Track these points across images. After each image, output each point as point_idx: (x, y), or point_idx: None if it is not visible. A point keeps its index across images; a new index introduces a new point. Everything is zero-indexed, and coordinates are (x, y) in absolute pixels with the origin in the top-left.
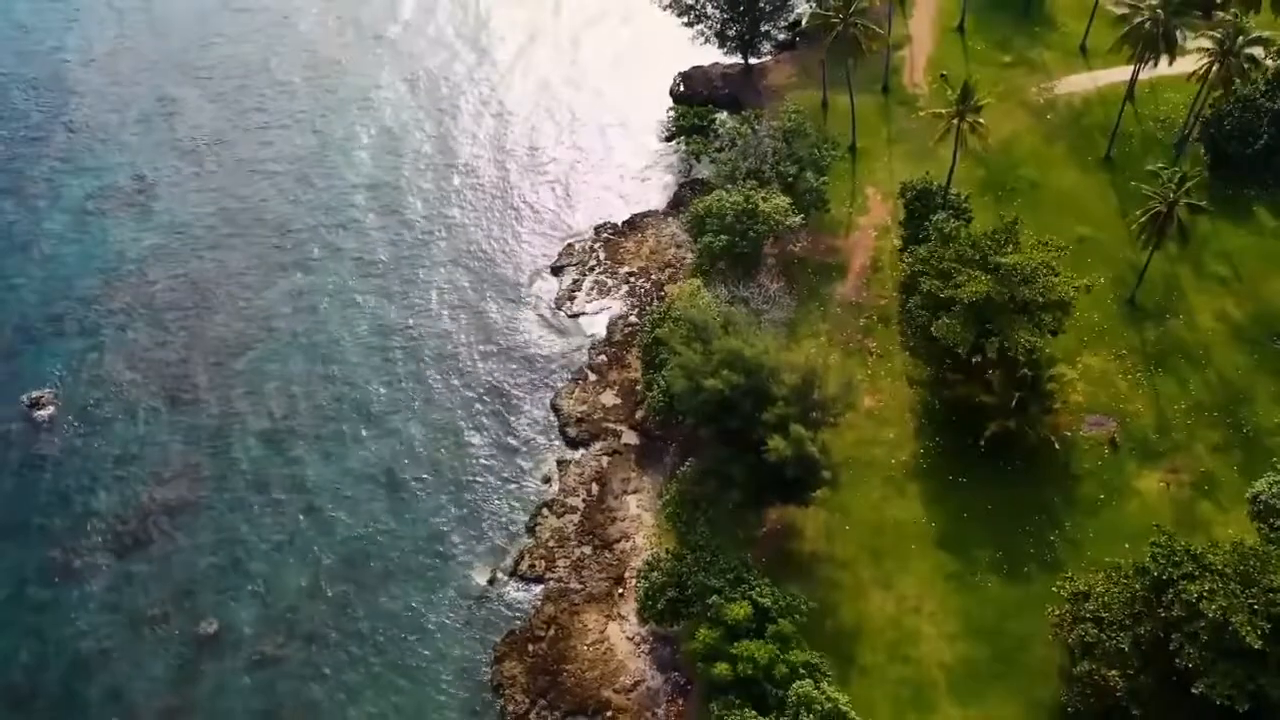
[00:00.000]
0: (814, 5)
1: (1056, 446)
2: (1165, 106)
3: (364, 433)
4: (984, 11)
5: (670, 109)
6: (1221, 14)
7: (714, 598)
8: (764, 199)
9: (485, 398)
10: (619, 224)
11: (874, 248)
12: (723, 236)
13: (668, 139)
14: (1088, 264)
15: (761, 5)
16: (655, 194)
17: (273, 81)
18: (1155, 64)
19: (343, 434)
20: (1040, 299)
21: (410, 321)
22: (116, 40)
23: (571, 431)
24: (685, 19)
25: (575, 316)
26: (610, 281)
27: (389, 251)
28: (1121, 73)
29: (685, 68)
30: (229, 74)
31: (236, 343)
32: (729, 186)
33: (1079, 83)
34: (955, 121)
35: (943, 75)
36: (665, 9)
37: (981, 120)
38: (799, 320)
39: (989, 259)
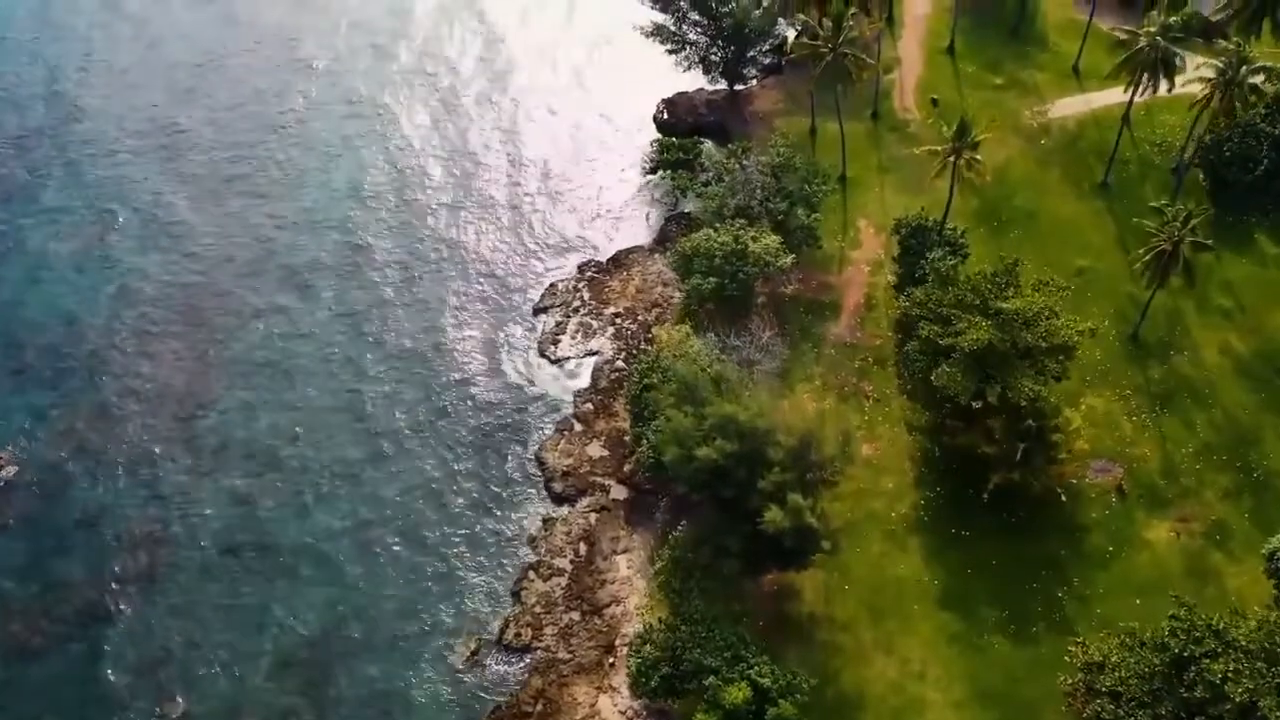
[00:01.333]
0: (798, 26)
1: (1063, 498)
2: (1162, 129)
3: (337, 491)
4: (973, 32)
5: (654, 142)
6: (1224, 43)
7: (711, 679)
8: (753, 238)
9: (466, 451)
10: (603, 261)
11: (867, 284)
12: (711, 279)
13: (652, 170)
14: (1088, 298)
15: (747, 32)
16: (640, 228)
17: (233, 114)
18: (1155, 91)
19: (315, 493)
20: (1043, 344)
21: (386, 370)
22: (89, 61)
23: (557, 486)
24: (668, 46)
25: (559, 362)
26: (595, 323)
27: (364, 296)
28: (1116, 94)
29: (669, 94)
30: (198, 104)
31: (205, 395)
32: (717, 225)
33: (1073, 105)
34: (952, 159)
35: (933, 100)
36: (648, 36)
37: (979, 157)
38: (792, 363)
39: (989, 304)
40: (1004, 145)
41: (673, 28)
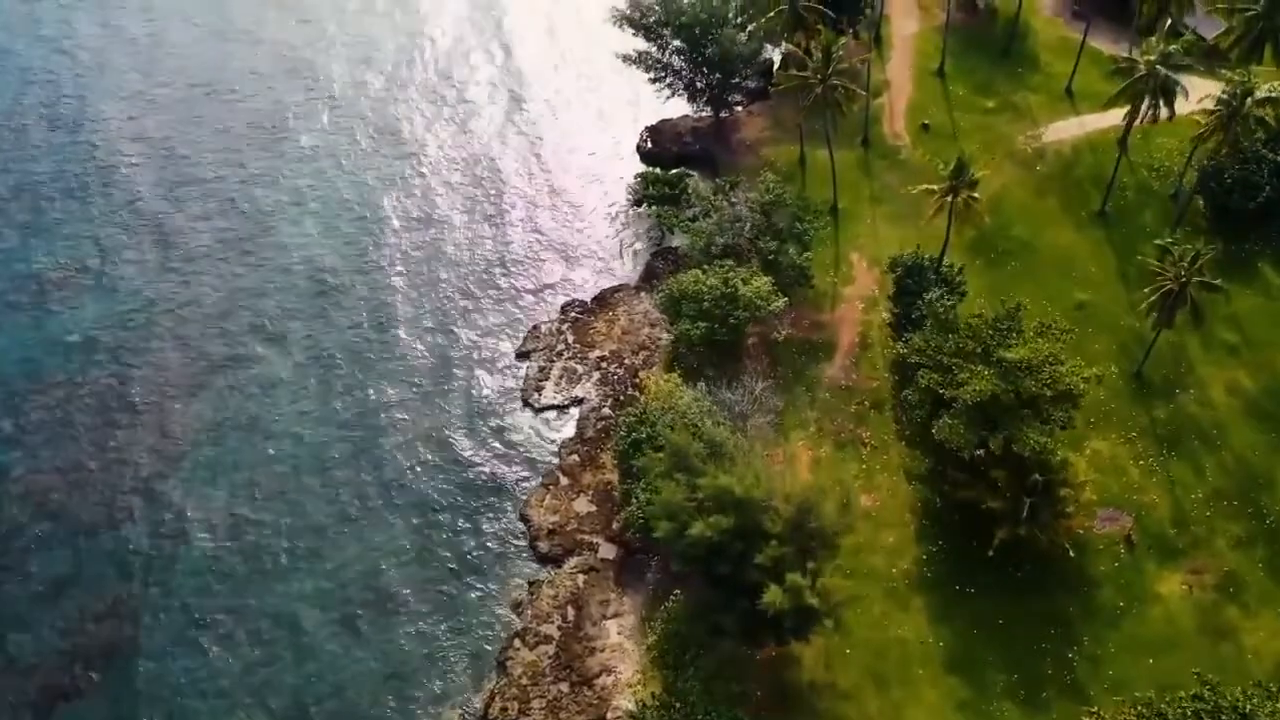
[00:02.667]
0: (784, 50)
1: (1071, 554)
2: (1159, 154)
3: (310, 555)
4: (963, 52)
5: (638, 176)
6: (1226, 72)
7: None
8: (744, 280)
9: (446, 509)
10: (587, 301)
11: (861, 322)
12: (700, 324)
13: (636, 203)
14: (1089, 334)
15: (733, 60)
16: (625, 265)
17: (197, 153)
18: (1155, 121)
19: (288, 557)
20: (1047, 392)
21: (360, 424)
22: (56, 93)
23: (543, 546)
24: (651, 74)
25: (543, 411)
26: (580, 368)
27: (337, 341)
28: (1111, 116)
29: (653, 120)
30: (168, 136)
31: (171, 454)
32: (705, 266)
33: (1067, 128)
34: (949, 199)
35: (924, 125)
36: (630, 64)
37: (976, 195)
38: (785, 408)
39: (991, 351)
40: (999, 172)
41: (656, 54)
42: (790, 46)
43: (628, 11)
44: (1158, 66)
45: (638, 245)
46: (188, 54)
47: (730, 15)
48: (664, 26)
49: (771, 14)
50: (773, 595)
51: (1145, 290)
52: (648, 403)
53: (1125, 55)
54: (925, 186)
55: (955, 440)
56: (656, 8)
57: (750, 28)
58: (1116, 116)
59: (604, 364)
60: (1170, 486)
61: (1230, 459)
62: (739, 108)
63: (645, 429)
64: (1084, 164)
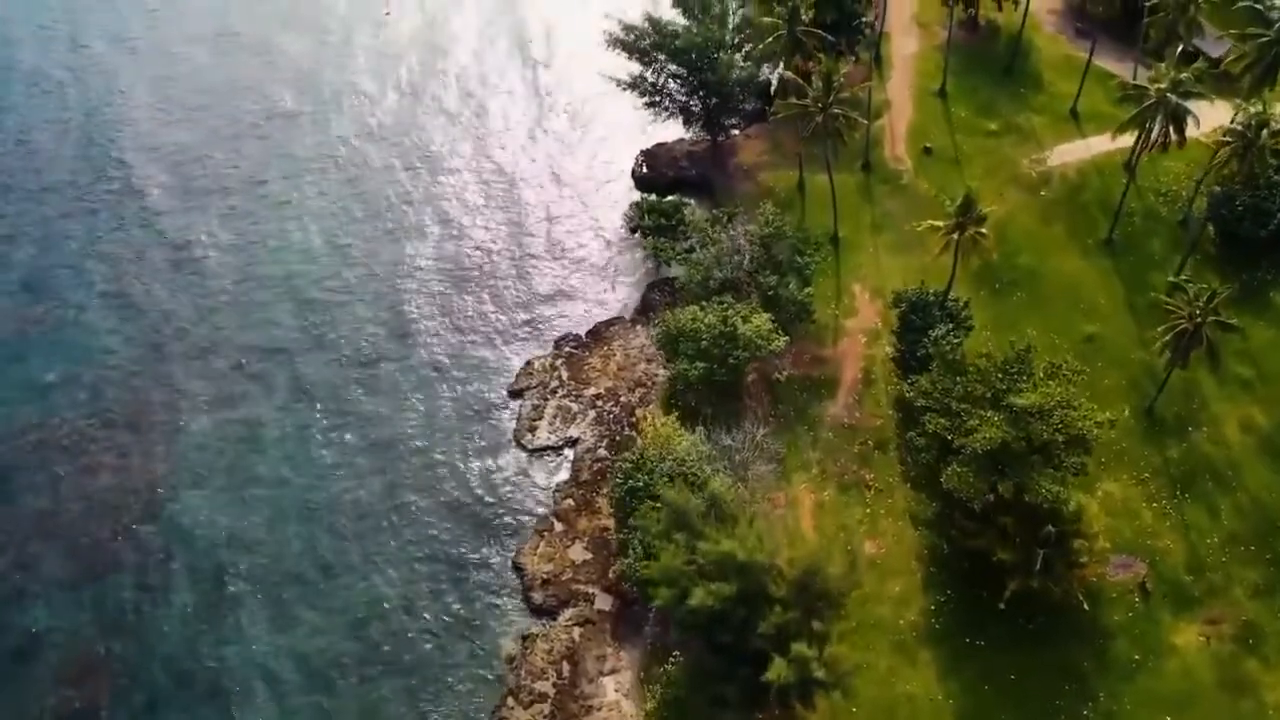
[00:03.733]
0: (784, 76)
1: (1085, 606)
2: (1167, 177)
3: (294, 607)
4: (965, 72)
5: (633, 204)
6: (1239, 101)
7: None
8: (743, 318)
9: (437, 557)
10: (582, 335)
11: (864, 356)
12: (699, 364)
13: (632, 230)
14: (1098, 368)
15: (730, 86)
16: (620, 297)
17: (179, 177)
18: (1165, 149)
19: (271, 610)
20: (1059, 437)
21: (347, 467)
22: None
23: (537, 597)
24: (645, 99)
25: (537, 452)
26: (575, 406)
27: (322, 380)
28: (1119, 138)
29: (648, 145)
30: (150, 160)
31: (152, 499)
32: (703, 303)
33: (1073, 151)
34: (955, 235)
35: (926, 148)
36: (624, 89)
37: (984, 231)
38: (787, 448)
39: (1001, 397)
40: (1003, 198)
41: (650, 78)
42: (789, 73)
43: (621, 35)
44: (1169, 95)
45: (633, 275)
46: (149, 89)
47: (727, 39)
48: (658, 50)
49: (770, 39)
50: (777, 669)
51: (1159, 330)
52: (644, 448)
53: (1134, 82)
54: (931, 223)
55: (965, 490)
56: (650, 32)
57: (747, 48)
58: (1123, 139)
59: (599, 402)
60: (1185, 531)
61: (1246, 500)
62: (736, 131)
63: (642, 476)
64: (1090, 188)
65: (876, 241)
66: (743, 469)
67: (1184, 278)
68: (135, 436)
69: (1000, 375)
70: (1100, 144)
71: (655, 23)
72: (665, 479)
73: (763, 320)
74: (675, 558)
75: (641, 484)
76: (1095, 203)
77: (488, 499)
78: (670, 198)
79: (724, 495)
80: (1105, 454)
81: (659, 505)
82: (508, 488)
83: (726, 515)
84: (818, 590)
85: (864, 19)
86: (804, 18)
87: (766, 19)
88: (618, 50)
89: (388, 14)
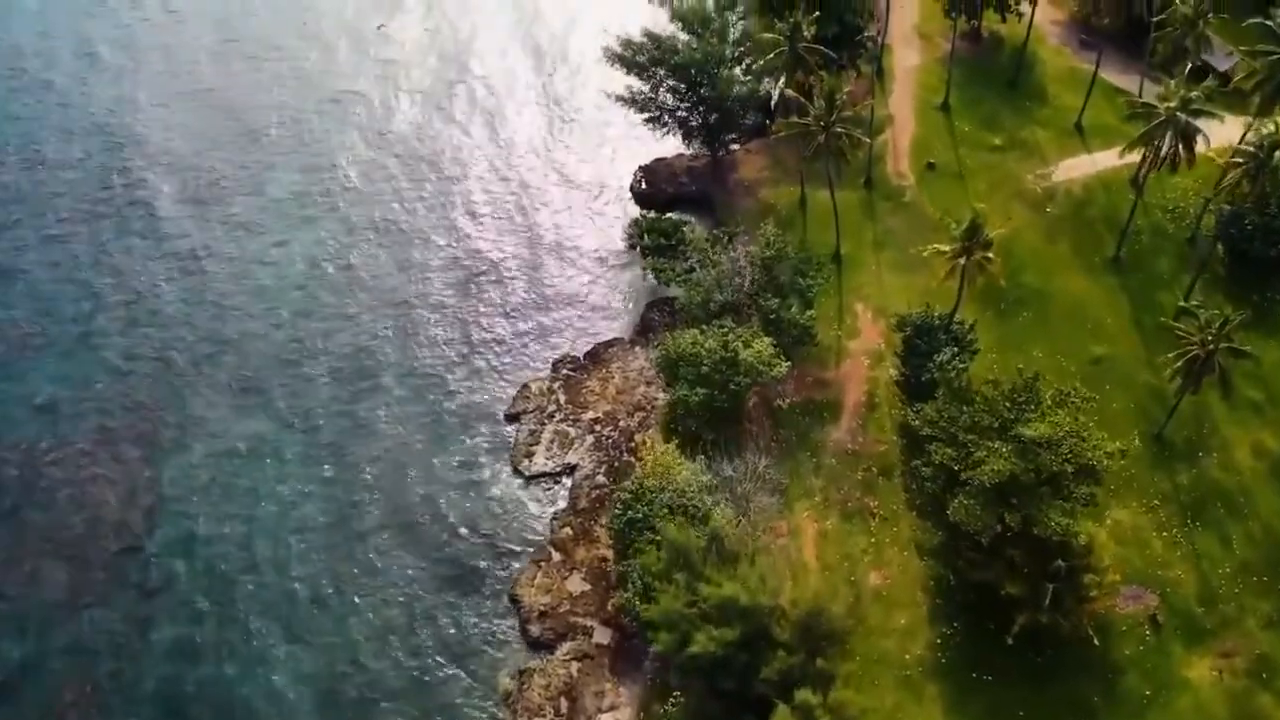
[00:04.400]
0: (779, 87)
1: (1095, 642)
2: (1174, 194)
3: (286, 640)
4: (968, 85)
5: (632, 222)
6: (1254, 121)
7: None
8: (744, 343)
9: (430, 589)
10: (580, 357)
11: (867, 379)
12: (699, 390)
13: (630, 247)
14: (1106, 391)
15: (730, 102)
16: (619, 316)
17: (172, 199)
18: (1174, 169)
19: (262, 642)
20: (1068, 468)
21: (340, 492)
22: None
23: (534, 630)
24: (645, 114)
25: (534, 479)
26: (573, 431)
27: (315, 403)
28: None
29: (647, 159)
30: (139, 187)
31: (140, 526)
32: (704, 326)
33: (1078, 166)
34: (961, 260)
35: (929, 164)
36: (623, 104)
37: (990, 255)
38: (789, 475)
39: (1009, 426)
40: (1008, 215)
41: (649, 93)
42: (790, 92)
43: (619, 50)
44: (1178, 114)
45: (632, 294)
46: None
47: (727, 54)
48: (657, 65)
49: (771, 55)
50: (781, 718)
51: (1170, 356)
52: (644, 477)
53: (1141, 98)
54: (936, 247)
55: (972, 523)
56: (648, 46)
57: (747, 60)
58: (1129, 153)
59: (598, 427)
60: (1196, 560)
61: (1258, 529)
62: (736, 145)
63: (641, 507)
64: (1096, 205)
65: (879, 259)
66: (744, 501)
67: (1195, 303)
68: (123, 460)
69: (1008, 404)
70: (1106, 159)
71: (655, 38)
72: (665, 510)
73: (764, 345)
74: (676, 600)
75: (641, 515)
76: (1101, 219)
77: (484, 527)
78: (670, 215)
79: (725, 532)
80: (1114, 480)
81: (658, 541)
82: (504, 515)
83: (728, 553)
84: (822, 631)
85: (866, 33)
86: (806, 34)
87: (767, 35)
88: (616, 66)
89: (381, 27)
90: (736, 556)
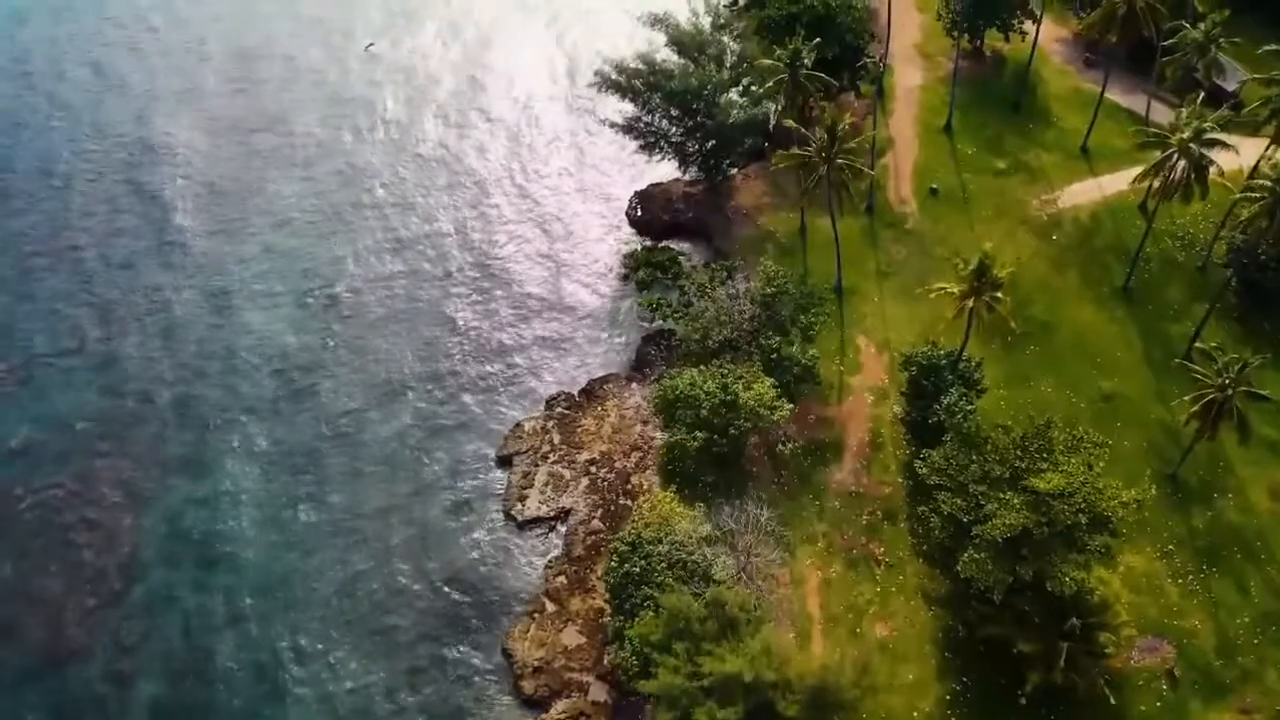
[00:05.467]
0: (776, 112)
1: (1111, 700)
2: (1183, 219)
3: (269, 701)
4: (971, 106)
5: (627, 256)
6: (1271, 152)
7: None
8: (745, 384)
9: (420, 641)
10: (574, 394)
11: (871, 417)
12: (698, 434)
13: (624, 277)
14: (1117, 428)
15: (729, 127)
16: (614, 350)
17: (137, 237)
18: (1186, 201)
19: (244, 703)
20: (1082, 518)
21: (324, 540)
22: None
23: (527, 686)
24: (641, 142)
25: (527, 524)
26: (568, 474)
27: (299, 446)
28: (1131, 176)
29: (643, 185)
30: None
31: (121, 578)
32: (702, 366)
33: (1084, 192)
34: (969, 302)
35: (933, 189)
36: (618, 132)
37: (1000, 295)
38: (791, 518)
39: (1020, 475)
40: (1013, 242)
41: (644, 119)
42: (790, 122)
43: (613, 76)
44: (1191, 145)
45: (628, 327)
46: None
47: (725, 79)
48: (652, 92)
49: (770, 84)
50: None
51: (1187, 399)
52: (641, 529)
53: (1151, 125)
54: (942, 287)
55: (983, 579)
56: (643, 71)
57: (745, 81)
58: (1140, 183)
59: (593, 468)
60: (1213, 609)
61: (1277, 575)
62: (734, 170)
63: (639, 560)
64: (1104, 232)
65: (882, 289)
66: (746, 555)
67: (1213, 345)
68: (102, 507)
69: (1019, 453)
70: (1113, 183)
71: (649, 64)
72: (663, 565)
73: (765, 387)
74: (676, 674)
75: (638, 569)
76: (1109, 248)
77: (475, 576)
78: (666, 243)
79: (726, 598)
80: (1127, 524)
81: (657, 603)
82: (496, 564)
83: (730, 618)
84: (829, 701)
85: (867, 54)
86: (806, 61)
87: (766, 61)
88: (610, 92)
89: (370, 46)
90: (738, 623)
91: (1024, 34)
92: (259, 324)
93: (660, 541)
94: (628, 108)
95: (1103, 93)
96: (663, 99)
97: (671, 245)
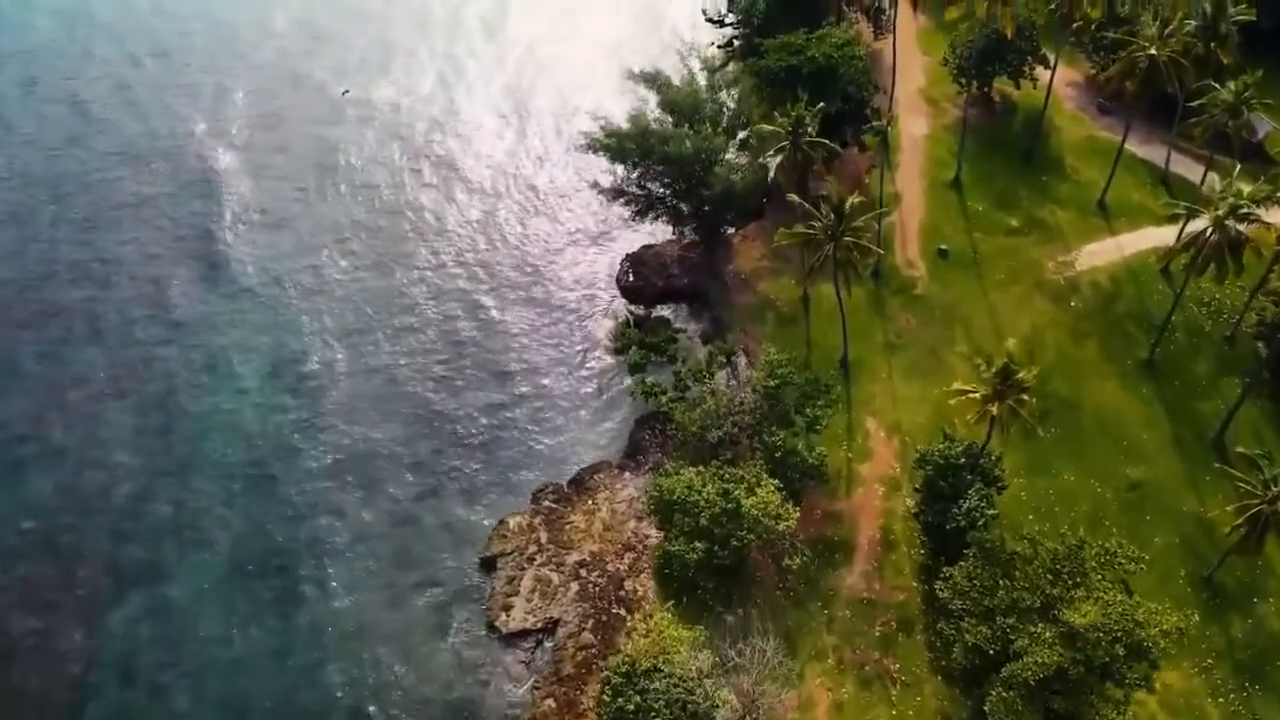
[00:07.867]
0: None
1: None
2: (1209, 283)
3: None
4: (980, 158)
5: (619, 335)
6: None
7: None
8: (747, 489)
9: None
10: (563, 485)
11: (882, 511)
12: (697, 544)
13: (616, 352)
14: (1146, 523)
15: (727, 195)
16: (605, 435)
17: (124, 300)
18: (1221, 281)
19: None
20: (1120, 650)
21: (291, 659)
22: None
23: None
24: (632, 208)
25: (513, 638)
26: (556, 577)
27: (264, 547)
28: (1149, 235)
29: (634, 245)
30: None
31: (69, 702)
32: (701, 468)
33: (1103, 252)
34: (992, 407)
35: (942, 250)
36: (608, 199)
37: (1026, 396)
38: (797, 629)
39: (1051, 604)
40: (1028, 309)
41: (635, 180)
42: (793, 197)
43: (602, 139)
44: (1227, 222)
45: (619, 409)
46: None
47: (722, 142)
48: (645, 156)
49: (771, 152)
50: None
51: (1230, 510)
52: (637, 656)
53: (1184, 203)
54: (961, 388)
55: None
56: (635, 135)
57: (742, 134)
58: (1156, 236)
59: (584, 571)
60: None
61: None
62: (731, 230)
63: (634, 696)
64: (1125, 298)
65: (891, 364)
66: (750, 695)
67: (1258, 453)
68: (49, 620)
69: (1049, 577)
70: (1132, 243)
71: (641, 127)
72: (661, 702)
73: (769, 492)
74: None
75: (633, 705)
76: (1131, 315)
77: (455, 701)
78: (659, 310)
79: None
80: (1167, 653)
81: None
82: (478, 684)
83: None
84: None
85: (872, 105)
86: (810, 129)
87: (768, 127)
88: (601, 154)
89: (346, 93)
90: None
91: (1035, 82)
92: (220, 408)
93: (657, 673)
94: (619, 170)
95: (1122, 145)
96: (656, 163)
97: (665, 313)
